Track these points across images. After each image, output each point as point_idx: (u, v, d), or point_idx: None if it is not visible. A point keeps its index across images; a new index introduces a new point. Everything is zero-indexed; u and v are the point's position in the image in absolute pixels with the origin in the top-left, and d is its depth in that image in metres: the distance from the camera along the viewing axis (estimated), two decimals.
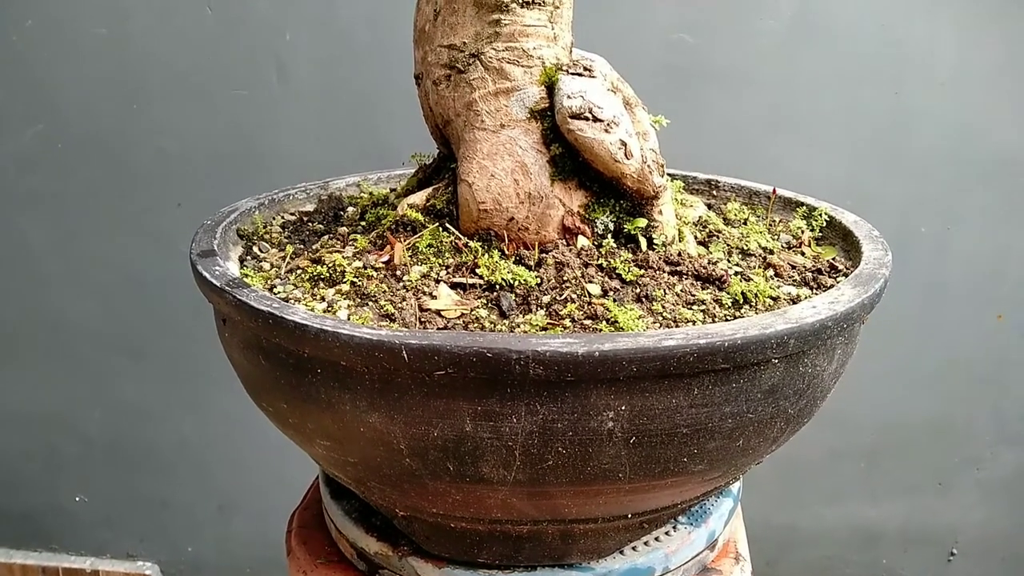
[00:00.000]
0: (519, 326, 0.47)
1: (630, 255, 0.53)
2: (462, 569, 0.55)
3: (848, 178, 1.18)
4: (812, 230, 0.65)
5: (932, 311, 1.25)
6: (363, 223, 0.64)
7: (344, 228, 0.63)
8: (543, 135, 0.54)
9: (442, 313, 0.49)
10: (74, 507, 1.43)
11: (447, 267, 0.53)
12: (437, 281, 0.52)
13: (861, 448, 1.33)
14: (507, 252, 0.53)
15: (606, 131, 0.51)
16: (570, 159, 0.53)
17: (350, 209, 0.72)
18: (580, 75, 0.53)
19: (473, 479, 0.45)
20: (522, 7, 0.53)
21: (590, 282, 0.50)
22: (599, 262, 0.52)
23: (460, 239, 0.55)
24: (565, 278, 0.50)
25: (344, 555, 0.61)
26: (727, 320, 0.48)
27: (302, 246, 0.62)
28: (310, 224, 0.69)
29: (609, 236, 0.54)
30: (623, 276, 0.51)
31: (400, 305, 0.49)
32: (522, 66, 0.54)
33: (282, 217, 0.70)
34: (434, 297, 0.50)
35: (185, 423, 1.35)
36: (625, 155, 0.51)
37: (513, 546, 0.53)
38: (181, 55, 1.14)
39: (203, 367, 1.30)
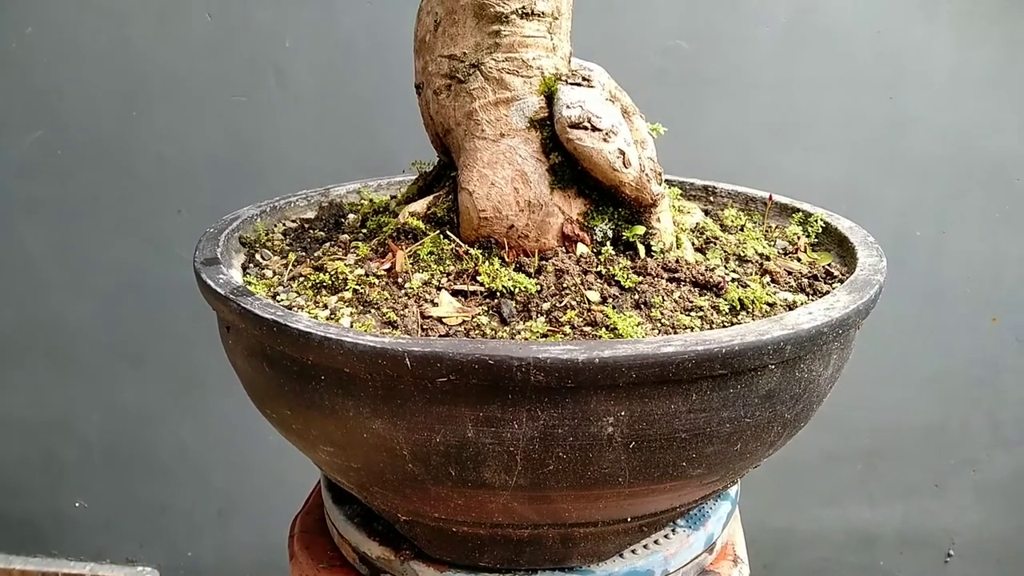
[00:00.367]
0: (520, 333, 0.48)
1: (629, 262, 0.53)
2: (464, 573, 0.56)
3: (844, 182, 1.19)
4: (808, 236, 0.66)
5: (928, 314, 1.26)
6: (364, 230, 0.64)
7: (345, 235, 0.64)
8: (543, 144, 0.54)
9: (444, 320, 0.49)
10: (73, 512, 1.43)
11: (448, 274, 0.54)
12: (438, 288, 0.52)
13: (858, 451, 1.34)
14: (507, 259, 0.54)
15: (605, 140, 0.51)
16: (569, 168, 0.54)
17: (351, 216, 0.73)
18: (579, 85, 0.54)
19: (475, 484, 0.46)
20: (521, 18, 0.54)
21: (589, 289, 0.51)
22: (598, 269, 0.53)
23: (461, 246, 0.55)
24: (565, 285, 0.51)
25: (346, 559, 0.62)
26: (724, 326, 0.48)
27: (304, 253, 0.63)
28: (311, 231, 0.70)
29: (608, 243, 0.55)
30: (622, 283, 0.51)
31: (402, 312, 0.50)
32: (522, 76, 0.54)
33: (284, 224, 0.71)
34: (435, 304, 0.51)
35: (184, 428, 1.36)
36: (623, 164, 0.52)
37: (514, 550, 0.54)
38: (181, 62, 1.15)
39: (202, 372, 1.31)
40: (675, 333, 0.48)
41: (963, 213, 1.20)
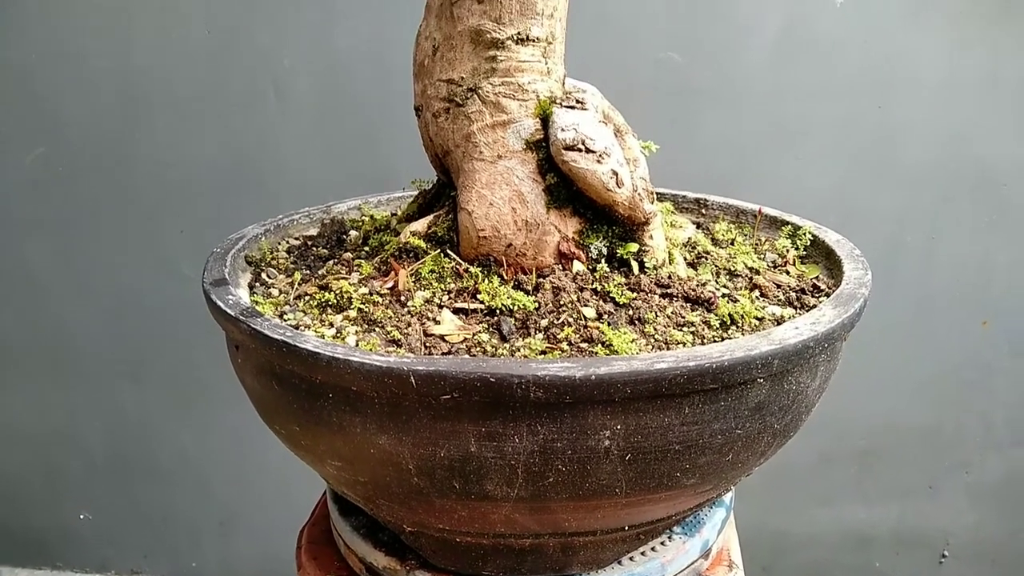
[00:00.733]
0: (519, 350, 0.49)
1: (623, 279, 0.55)
2: None
3: (836, 189, 1.21)
4: (797, 248, 0.68)
5: (920, 319, 1.28)
6: (366, 248, 0.66)
7: (348, 253, 0.66)
8: (539, 165, 0.56)
9: (446, 338, 0.51)
10: (78, 524, 1.44)
11: (449, 292, 0.56)
12: (440, 306, 0.54)
13: (853, 453, 1.36)
14: (506, 277, 0.56)
15: (598, 162, 0.53)
16: (564, 188, 0.56)
17: (352, 233, 0.75)
18: (573, 108, 0.56)
19: (478, 496, 0.48)
20: (517, 44, 0.56)
21: (585, 306, 0.53)
22: (594, 286, 0.54)
23: (461, 265, 0.57)
24: (562, 302, 0.53)
25: (353, 570, 0.64)
26: (715, 341, 0.50)
27: (308, 271, 0.65)
28: (314, 248, 0.72)
29: (603, 260, 0.56)
30: (617, 299, 0.53)
31: (405, 331, 0.52)
32: (518, 100, 0.56)
33: (287, 242, 0.73)
34: (438, 322, 0.53)
35: (187, 439, 1.37)
36: (617, 184, 0.54)
37: (516, 559, 0.55)
38: (181, 78, 1.17)
39: (203, 384, 1.32)
40: (668, 348, 0.50)
41: (953, 219, 1.23)
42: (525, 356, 0.49)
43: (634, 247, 0.56)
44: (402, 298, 0.55)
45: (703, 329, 0.51)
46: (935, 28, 1.13)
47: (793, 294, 0.58)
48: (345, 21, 1.13)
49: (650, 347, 0.50)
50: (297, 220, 0.76)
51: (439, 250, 0.59)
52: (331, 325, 0.54)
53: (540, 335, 0.51)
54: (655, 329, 0.51)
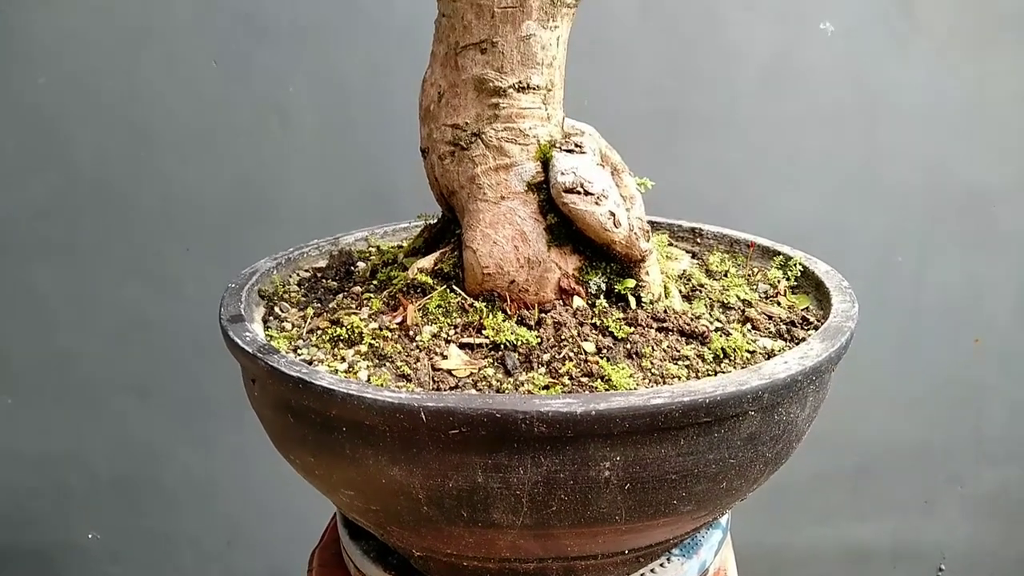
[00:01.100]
0: (523, 384, 0.52)
1: (621, 313, 0.58)
2: None
3: (827, 213, 1.24)
4: (788, 279, 0.71)
5: (912, 337, 1.31)
6: (375, 282, 0.69)
7: (357, 287, 0.69)
8: (540, 206, 0.59)
9: (453, 372, 0.54)
10: (86, 543, 1.46)
11: (455, 326, 0.58)
12: (447, 341, 0.57)
13: (848, 470, 1.38)
14: (510, 312, 0.59)
15: (596, 203, 0.56)
16: (564, 227, 0.59)
17: (360, 265, 0.78)
18: (572, 151, 0.59)
19: (485, 524, 0.51)
20: (518, 92, 0.59)
21: (585, 340, 0.55)
22: (593, 321, 0.57)
23: (466, 300, 0.60)
24: (563, 337, 0.56)
25: None
26: (709, 375, 0.53)
27: (320, 305, 0.68)
28: (324, 281, 0.74)
29: (602, 296, 0.59)
30: (615, 334, 0.56)
31: (415, 365, 0.54)
32: (519, 144, 0.59)
33: (297, 275, 0.76)
34: (445, 357, 0.55)
35: (193, 459, 1.39)
36: (614, 224, 0.57)
37: None
38: (187, 107, 1.20)
39: (209, 404, 1.35)
40: (664, 382, 0.52)
41: (942, 240, 1.26)
42: (529, 391, 0.51)
43: (631, 283, 0.59)
44: (411, 333, 0.58)
45: (697, 363, 0.54)
46: (921, 55, 1.17)
47: (784, 326, 0.61)
48: (348, 50, 1.17)
49: (647, 381, 0.52)
50: (307, 252, 0.78)
51: (445, 286, 0.61)
52: (343, 359, 0.57)
53: (543, 369, 0.54)
54: (652, 363, 0.54)
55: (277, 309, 0.67)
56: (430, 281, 0.62)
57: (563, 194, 0.57)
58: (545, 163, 0.60)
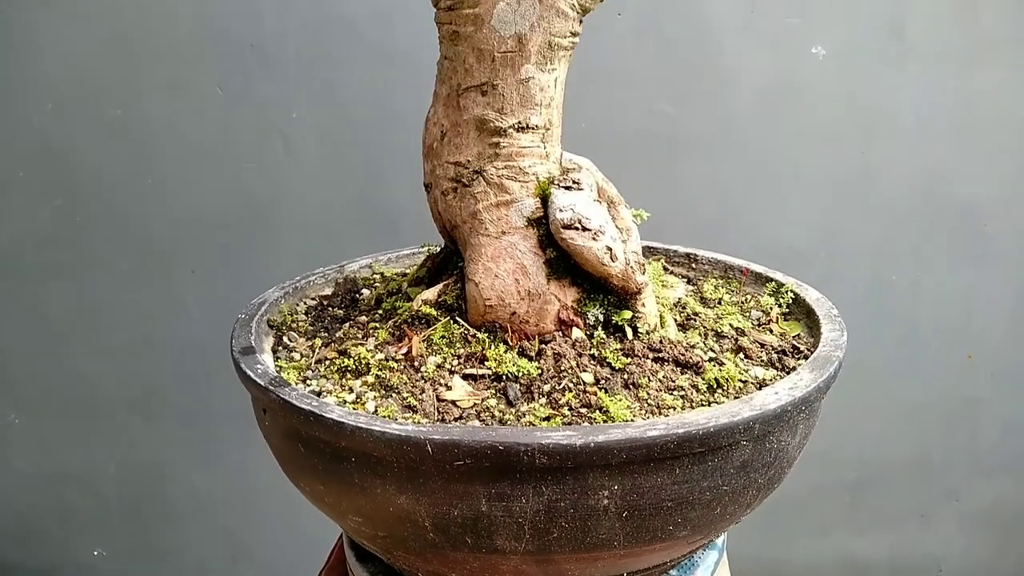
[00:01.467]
0: (525, 415, 0.54)
1: (618, 344, 0.60)
2: None
3: (822, 230, 1.26)
4: (780, 306, 0.73)
5: (907, 352, 1.33)
6: (380, 311, 0.71)
7: (363, 316, 0.71)
8: (539, 240, 0.62)
9: (457, 403, 0.56)
10: (92, 560, 1.47)
11: (459, 357, 0.60)
12: (451, 372, 0.59)
13: (845, 484, 1.40)
14: (511, 343, 0.61)
15: (594, 239, 0.59)
16: (563, 261, 0.61)
17: (365, 292, 0.80)
18: (570, 188, 0.61)
19: (488, 550, 0.53)
20: (518, 132, 0.61)
21: (584, 371, 0.58)
22: (591, 351, 0.60)
23: (469, 331, 0.62)
24: (562, 367, 0.58)
25: None
26: (703, 405, 0.55)
27: (327, 334, 0.70)
28: (330, 309, 0.77)
29: (599, 327, 0.62)
30: (613, 364, 0.58)
31: (420, 396, 0.56)
32: (519, 181, 0.62)
33: (304, 303, 0.78)
34: (449, 388, 0.57)
35: (198, 477, 1.41)
36: (611, 259, 0.59)
37: None
38: (193, 131, 1.22)
39: (214, 424, 1.36)
40: (660, 412, 0.55)
41: (935, 256, 1.28)
42: (530, 422, 0.54)
43: (628, 314, 0.61)
44: (416, 363, 0.60)
45: (692, 393, 0.56)
46: (911, 75, 1.19)
47: (775, 355, 0.63)
48: (350, 76, 1.19)
49: (644, 411, 0.55)
50: (313, 281, 0.81)
51: (449, 317, 0.64)
52: (351, 390, 0.59)
53: (543, 400, 0.56)
54: (648, 393, 0.56)
55: (286, 339, 0.69)
56: (434, 312, 0.64)
57: (562, 230, 0.59)
58: (544, 199, 0.62)
